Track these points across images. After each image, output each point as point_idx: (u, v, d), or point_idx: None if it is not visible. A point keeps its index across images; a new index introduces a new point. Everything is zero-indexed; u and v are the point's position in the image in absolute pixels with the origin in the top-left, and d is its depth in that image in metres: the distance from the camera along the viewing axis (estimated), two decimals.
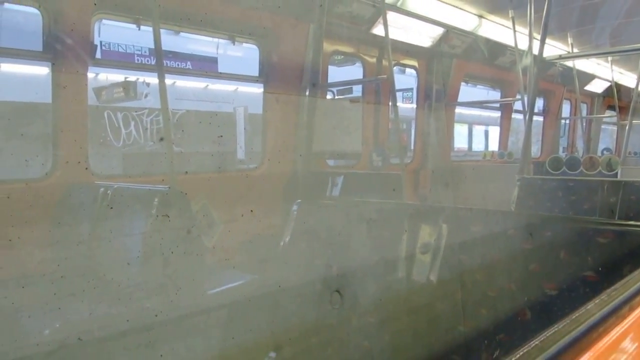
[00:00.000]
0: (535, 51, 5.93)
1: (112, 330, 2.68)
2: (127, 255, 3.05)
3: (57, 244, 2.96)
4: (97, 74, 5.40)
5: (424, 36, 6.96)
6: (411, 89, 8.80)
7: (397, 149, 6.72)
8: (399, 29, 6.43)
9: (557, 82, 10.15)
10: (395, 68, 6.90)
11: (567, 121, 12.07)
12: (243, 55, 6.44)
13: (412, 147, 7.95)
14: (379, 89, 7.08)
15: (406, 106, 8.75)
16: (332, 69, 6.68)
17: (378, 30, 6.10)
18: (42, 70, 4.38)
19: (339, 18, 5.85)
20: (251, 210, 4.01)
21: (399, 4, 6.16)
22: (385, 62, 6.65)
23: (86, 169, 4.01)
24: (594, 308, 1.48)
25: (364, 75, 6.96)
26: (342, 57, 7.04)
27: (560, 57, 8.03)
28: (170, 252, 2.95)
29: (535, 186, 5.46)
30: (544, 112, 11.07)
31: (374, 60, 6.89)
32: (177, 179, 3.51)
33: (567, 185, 5.35)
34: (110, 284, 2.87)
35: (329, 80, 6.63)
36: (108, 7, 4.33)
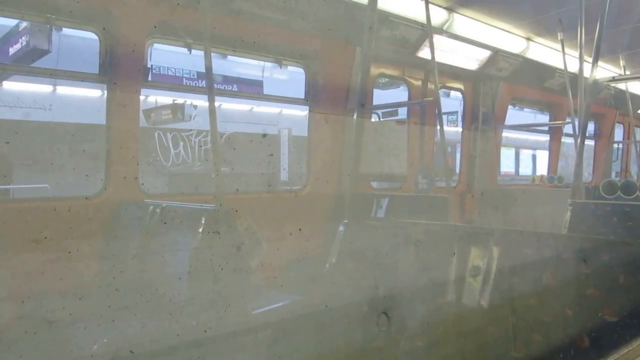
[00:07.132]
0: (586, 74, 5.80)
1: (163, 344, 2.70)
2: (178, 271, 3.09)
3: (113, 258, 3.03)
4: (147, 96, 5.54)
5: (470, 59, 6.91)
6: (456, 112, 8.75)
7: (443, 171, 6.64)
8: (445, 51, 6.40)
9: (609, 105, 9.89)
10: (440, 91, 6.83)
11: (620, 145, 11.72)
12: (289, 77, 6.52)
13: (458, 171, 7.83)
14: (424, 112, 7.03)
15: (451, 129, 8.67)
16: (376, 92, 6.66)
17: (424, 53, 6.08)
18: (96, 92, 4.51)
19: (385, 41, 5.85)
20: (299, 229, 4.02)
21: (445, 27, 6.15)
22: (430, 85, 6.61)
23: (142, 184, 4.10)
24: None
25: (409, 98, 6.92)
26: (387, 80, 7.02)
27: (614, 79, 7.83)
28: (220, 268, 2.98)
29: (588, 211, 5.13)
30: (596, 136, 10.79)
31: (419, 83, 6.86)
32: (225, 198, 3.56)
33: (622, 210, 5.02)
34: (162, 298, 2.91)
35: (373, 103, 6.60)
36: (163, 32, 4.44)
